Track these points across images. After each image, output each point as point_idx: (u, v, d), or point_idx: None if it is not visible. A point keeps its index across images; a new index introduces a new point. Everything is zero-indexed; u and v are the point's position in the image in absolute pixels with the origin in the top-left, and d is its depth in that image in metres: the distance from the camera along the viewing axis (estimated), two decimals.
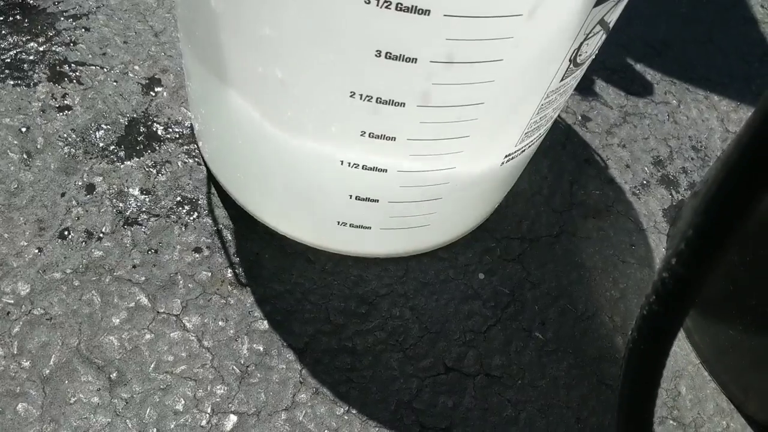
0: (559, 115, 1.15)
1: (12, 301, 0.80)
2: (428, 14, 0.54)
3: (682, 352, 0.96)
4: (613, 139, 1.17)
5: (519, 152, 0.81)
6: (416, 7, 0.53)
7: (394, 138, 0.68)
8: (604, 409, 0.88)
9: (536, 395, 0.87)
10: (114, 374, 0.78)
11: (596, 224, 1.05)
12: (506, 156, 0.79)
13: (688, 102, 1.27)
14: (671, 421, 0.90)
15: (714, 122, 1.25)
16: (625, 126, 1.19)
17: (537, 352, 0.90)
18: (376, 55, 0.58)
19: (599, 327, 0.94)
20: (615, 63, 1.29)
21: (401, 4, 0.53)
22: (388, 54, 0.58)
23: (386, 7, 0.53)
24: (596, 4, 0.60)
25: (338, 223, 0.84)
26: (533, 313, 0.93)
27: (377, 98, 0.63)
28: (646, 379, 0.46)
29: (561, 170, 1.10)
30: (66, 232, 0.86)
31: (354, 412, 0.81)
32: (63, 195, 0.89)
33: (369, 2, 0.53)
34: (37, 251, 0.84)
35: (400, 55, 0.58)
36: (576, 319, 0.94)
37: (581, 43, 0.65)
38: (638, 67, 1.30)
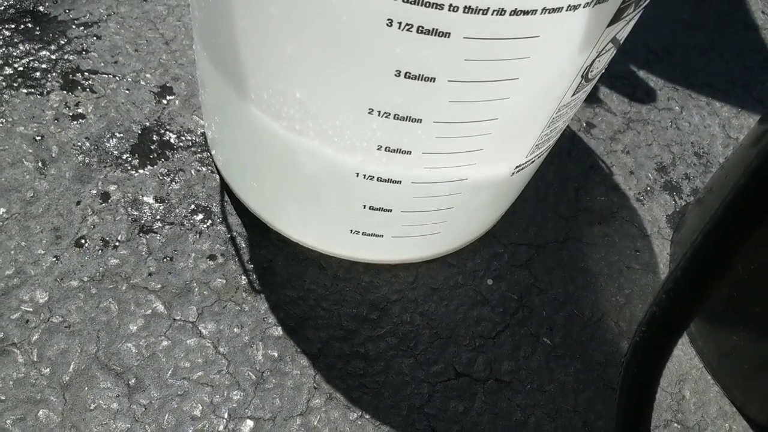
0: None
1: (31, 309, 0.82)
2: (448, 36, 0.55)
3: (686, 357, 0.98)
4: (617, 145, 1.18)
5: (529, 163, 0.83)
6: (437, 29, 0.55)
7: (410, 152, 0.70)
8: (611, 413, 0.90)
9: (544, 400, 0.89)
10: (132, 380, 0.80)
11: (601, 230, 1.07)
12: (517, 167, 0.80)
13: (690, 108, 1.29)
14: (676, 424, 0.92)
15: (716, 128, 1.27)
16: (629, 132, 1.21)
17: (545, 357, 0.92)
18: (395, 75, 0.60)
19: (605, 332, 0.96)
20: (618, 69, 1.31)
21: (422, 27, 0.55)
22: (408, 74, 0.59)
23: (407, 29, 0.55)
24: (609, 24, 0.61)
25: (351, 231, 0.86)
26: (541, 319, 0.95)
27: (395, 115, 0.65)
28: (644, 386, 0.48)
29: (566, 177, 1.11)
30: (82, 241, 0.88)
31: (367, 417, 0.83)
32: (78, 203, 0.90)
33: (391, 25, 0.55)
34: (54, 259, 0.86)
35: (420, 74, 0.60)
36: (583, 324, 0.96)
37: (594, 60, 0.67)
38: (641, 73, 1.32)
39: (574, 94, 0.71)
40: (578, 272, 1.01)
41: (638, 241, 1.07)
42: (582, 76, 0.68)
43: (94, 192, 0.92)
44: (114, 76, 1.03)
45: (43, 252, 0.86)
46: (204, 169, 0.97)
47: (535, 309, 0.96)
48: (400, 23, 0.55)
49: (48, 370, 0.79)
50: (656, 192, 1.14)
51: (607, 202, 1.10)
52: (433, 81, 0.60)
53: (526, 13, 0.54)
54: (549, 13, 0.55)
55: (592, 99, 1.24)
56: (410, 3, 0.53)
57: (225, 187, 0.95)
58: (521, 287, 0.97)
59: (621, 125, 1.22)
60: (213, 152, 0.96)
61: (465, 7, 0.53)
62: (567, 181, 1.11)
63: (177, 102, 1.03)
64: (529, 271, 0.99)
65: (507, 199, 0.94)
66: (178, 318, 0.85)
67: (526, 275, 0.99)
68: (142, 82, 1.04)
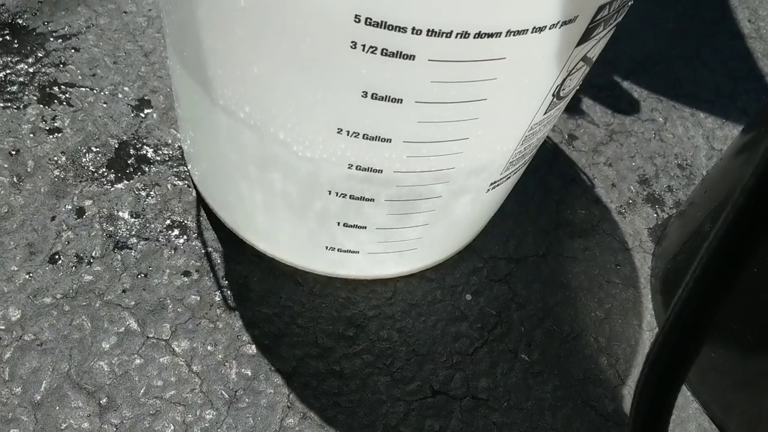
0: None
1: (3, 327, 0.81)
2: (413, 59, 0.55)
3: None
4: (600, 157, 1.18)
5: (504, 179, 0.82)
6: (401, 52, 0.54)
7: (381, 170, 0.69)
8: (588, 431, 0.89)
9: (521, 417, 0.88)
10: (104, 400, 0.79)
11: (582, 244, 1.06)
12: (492, 183, 0.80)
13: (674, 119, 1.28)
14: None
15: (700, 140, 1.26)
16: (612, 144, 1.20)
17: (523, 373, 0.91)
18: (362, 96, 0.59)
19: (584, 348, 0.96)
20: (602, 80, 1.31)
21: (386, 50, 0.54)
22: (374, 95, 0.59)
23: (372, 52, 0.54)
24: (578, 44, 0.61)
25: (326, 248, 0.85)
26: (519, 335, 0.95)
27: (364, 135, 0.64)
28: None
29: (547, 189, 1.11)
30: (56, 257, 0.87)
31: None
32: (53, 219, 0.90)
33: (355, 47, 0.54)
34: (27, 276, 0.85)
35: (386, 96, 0.59)
36: (561, 340, 0.96)
37: (564, 79, 0.66)
38: (625, 84, 1.32)
39: (546, 113, 0.70)
40: (558, 287, 1.00)
41: (619, 255, 1.06)
42: (553, 95, 0.67)
43: (69, 207, 0.91)
44: (92, 89, 1.03)
45: (16, 268, 0.85)
46: (180, 183, 0.96)
47: (514, 324, 0.95)
48: (364, 46, 0.54)
49: (19, 389, 0.78)
50: (638, 205, 1.14)
51: (588, 215, 1.10)
52: (401, 102, 0.60)
53: (490, 35, 0.53)
54: (514, 35, 0.54)
55: (575, 110, 1.23)
56: (373, 26, 0.52)
57: (201, 202, 0.95)
58: (500, 302, 0.97)
59: (604, 137, 1.21)
60: (189, 166, 0.96)
61: (428, 30, 0.52)
62: (548, 194, 1.10)
63: (155, 115, 1.02)
64: (509, 286, 0.99)
65: (485, 215, 0.93)
66: (151, 336, 0.84)
67: (505, 290, 0.98)
68: (120, 95, 1.03)
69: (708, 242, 0.37)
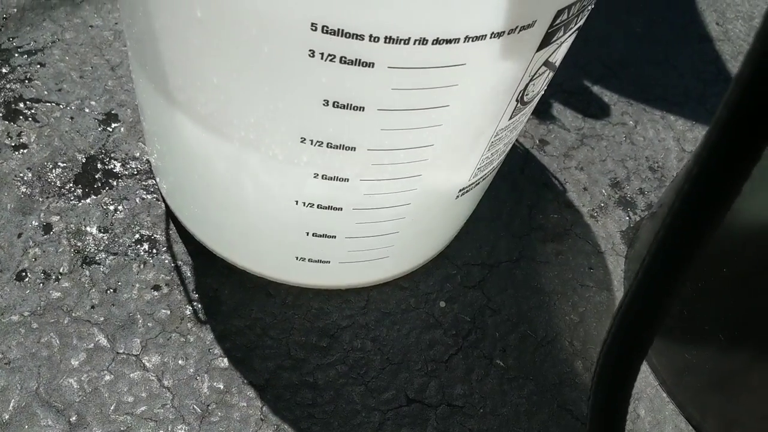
0: (517, 140, 1.17)
1: None
2: (372, 66, 0.55)
3: (641, 374, 0.97)
4: (571, 162, 1.18)
5: (474, 185, 0.82)
6: (360, 60, 0.54)
7: (347, 179, 0.69)
8: None
9: (498, 423, 0.88)
10: (74, 417, 0.78)
11: (555, 248, 1.06)
12: (460, 190, 0.80)
13: (644, 122, 1.29)
14: None
15: (670, 142, 1.27)
16: (583, 148, 1.21)
17: (498, 379, 0.91)
18: (323, 104, 0.59)
19: (559, 352, 0.96)
20: (572, 85, 1.31)
21: (345, 58, 0.54)
22: (336, 103, 0.59)
23: (330, 60, 0.54)
24: (539, 49, 0.61)
25: (296, 258, 0.85)
26: (494, 340, 0.94)
27: (328, 143, 0.64)
28: (614, 409, 0.47)
29: (520, 195, 1.11)
30: (23, 274, 0.86)
31: None
32: (20, 236, 0.88)
33: (313, 55, 0.54)
34: None
35: (348, 104, 0.59)
36: (536, 344, 0.95)
37: (527, 84, 0.66)
38: (595, 88, 1.32)
39: (511, 118, 0.70)
40: (531, 291, 1.00)
41: (592, 258, 1.07)
42: (517, 100, 0.67)
43: (36, 223, 0.90)
44: (58, 104, 1.02)
45: None
46: (149, 196, 0.95)
47: (488, 330, 0.95)
48: (322, 54, 0.54)
49: None
50: (610, 208, 1.14)
51: (560, 220, 1.10)
52: (362, 110, 0.60)
53: (448, 41, 0.53)
54: (472, 41, 0.54)
55: (546, 116, 1.24)
56: (330, 34, 0.52)
57: (170, 215, 0.94)
58: (474, 308, 0.97)
59: (575, 141, 1.22)
60: (158, 179, 0.95)
61: (386, 38, 0.52)
62: (520, 200, 1.10)
63: (122, 129, 1.01)
64: (482, 292, 0.99)
65: (456, 221, 0.93)
66: (121, 351, 0.83)
67: (479, 296, 0.98)
68: (87, 110, 1.02)
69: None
